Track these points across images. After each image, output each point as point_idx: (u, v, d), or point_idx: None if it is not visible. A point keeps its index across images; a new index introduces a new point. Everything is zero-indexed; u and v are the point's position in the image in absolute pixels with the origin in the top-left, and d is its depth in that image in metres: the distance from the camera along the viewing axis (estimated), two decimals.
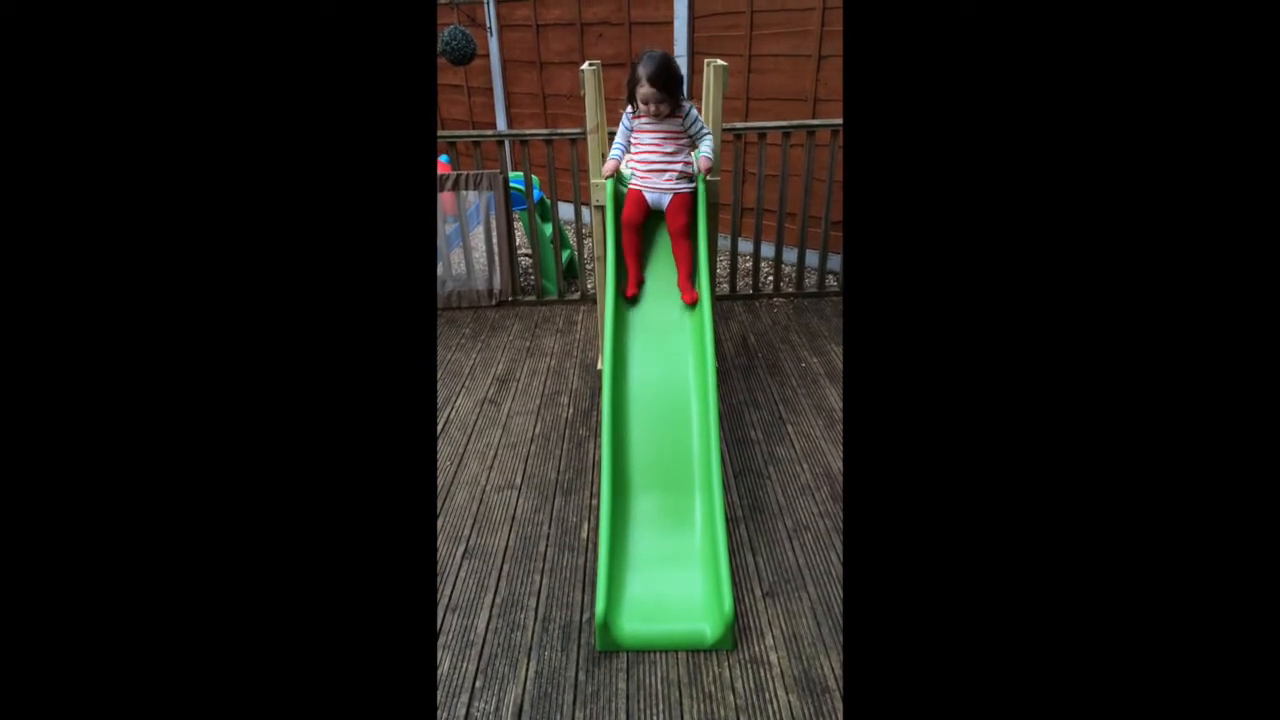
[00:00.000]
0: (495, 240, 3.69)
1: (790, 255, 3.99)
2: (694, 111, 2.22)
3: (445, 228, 3.79)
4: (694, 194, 2.29)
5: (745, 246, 4.54)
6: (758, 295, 3.83)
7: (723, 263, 4.17)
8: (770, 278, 3.99)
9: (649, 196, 2.30)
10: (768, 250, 4.06)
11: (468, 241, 3.74)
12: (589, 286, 3.92)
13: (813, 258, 4.25)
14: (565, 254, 4.14)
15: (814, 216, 3.94)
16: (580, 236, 3.90)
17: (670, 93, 2.18)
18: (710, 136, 2.24)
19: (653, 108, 2.20)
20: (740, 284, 3.91)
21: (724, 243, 4.15)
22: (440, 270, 3.76)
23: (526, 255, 4.42)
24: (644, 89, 2.18)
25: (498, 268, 3.76)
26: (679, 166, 2.26)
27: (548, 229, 3.90)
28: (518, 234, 4.03)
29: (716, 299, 3.62)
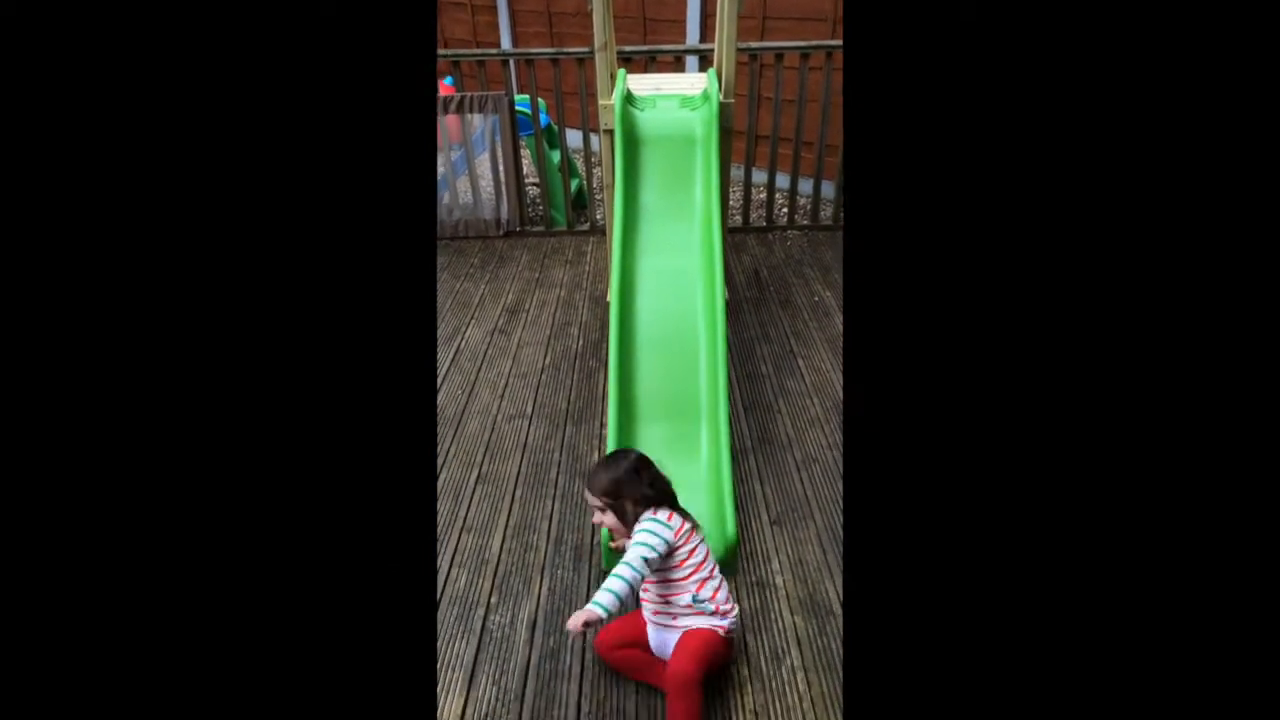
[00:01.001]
0: (502, 168, 3.60)
1: (806, 186, 3.88)
2: (646, 520, 1.39)
3: (450, 154, 3.70)
4: (720, 633, 1.39)
5: (759, 177, 4.41)
6: (771, 227, 3.75)
7: (735, 194, 4.07)
8: (784, 210, 3.90)
9: (651, 639, 1.45)
10: (783, 181, 3.95)
11: (474, 169, 3.65)
12: (598, 217, 3.84)
13: (829, 189, 4.13)
14: (574, 183, 4.05)
15: (831, 145, 3.80)
16: (589, 165, 3.80)
17: (616, 502, 1.42)
18: (639, 546, 1.35)
19: (595, 518, 1.48)
20: (754, 216, 3.82)
21: (737, 173, 4.03)
22: (447, 199, 3.69)
23: (534, 184, 4.33)
24: (586, 491, 1.49)
25: (505, 197, 3.68)
26: (683, 608, 1.40)
27: (555, 156, 3.79)
28: (524, 162, 3.93)
29: (729, 231, 3.55)
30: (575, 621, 1.26)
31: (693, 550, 1.40)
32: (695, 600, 1.39)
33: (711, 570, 1.43)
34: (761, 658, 1.51)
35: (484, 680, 1.48)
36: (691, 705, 1.30)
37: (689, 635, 1.37)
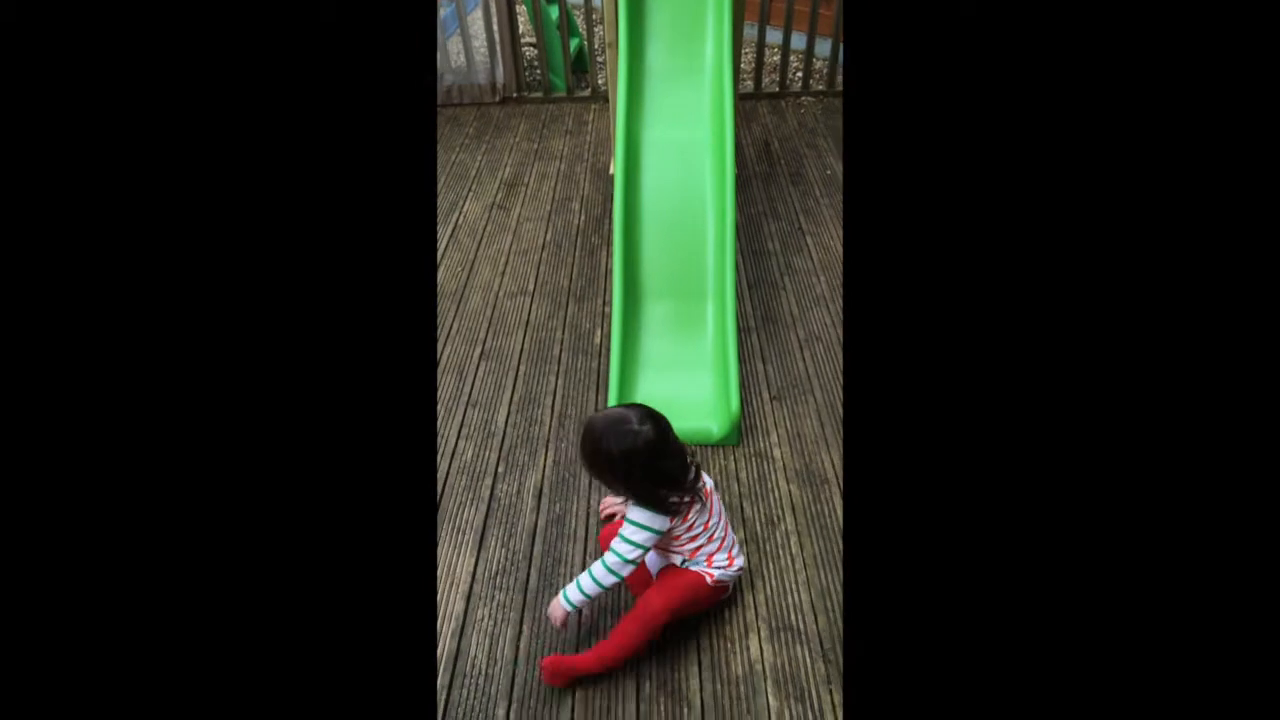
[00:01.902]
0: (496, 26, 3.32)
1: (823, 47, 3.58)
2: (637, 512, 1.26)
3: (440, 11, 3.39)
4: (708, 580, 1.33)
5: (774, 36, 4.07)
6: (784, 93, 3.52)
7: (747, 56, 3.77)
8: (800, 74, 3.62)
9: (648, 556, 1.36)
10: (798, 41, 3.64)
11: (465, 27, 3.37)
12: (600, 83, 3.59)
13: None
14: (574, 43, 3.74)
15: None
16: (590, 23, 3.50)
17: (616, 483, 1.28)
18: (619, 550, 1.26)
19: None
20: (766, 80, 3.56)
21: (749, 32, 3.71)
22: (438, 62, 3.43)
23: (530, 45, 4.01)
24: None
25: (499, 59, 3.43)
26: (676, 560, 1.37)
27: (553, 12, 3.48)
28: (520, 19, 3.61)
29: (740, 98, 3.33)
30: (553, 614, 1.29)
31: (689, 527, 1.30)
32: (685, 562, 1.35)
33: (711, 535, 1.32)
34: (757, 523, 1.58)
35: (493, 543, 1.56)
36: (642, 633, 1.28)
37: (677, 574, 1.34)
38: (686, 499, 1.26)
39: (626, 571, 1.27)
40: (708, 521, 1.32)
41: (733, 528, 1.45)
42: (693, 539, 1.32)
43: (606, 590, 1.29)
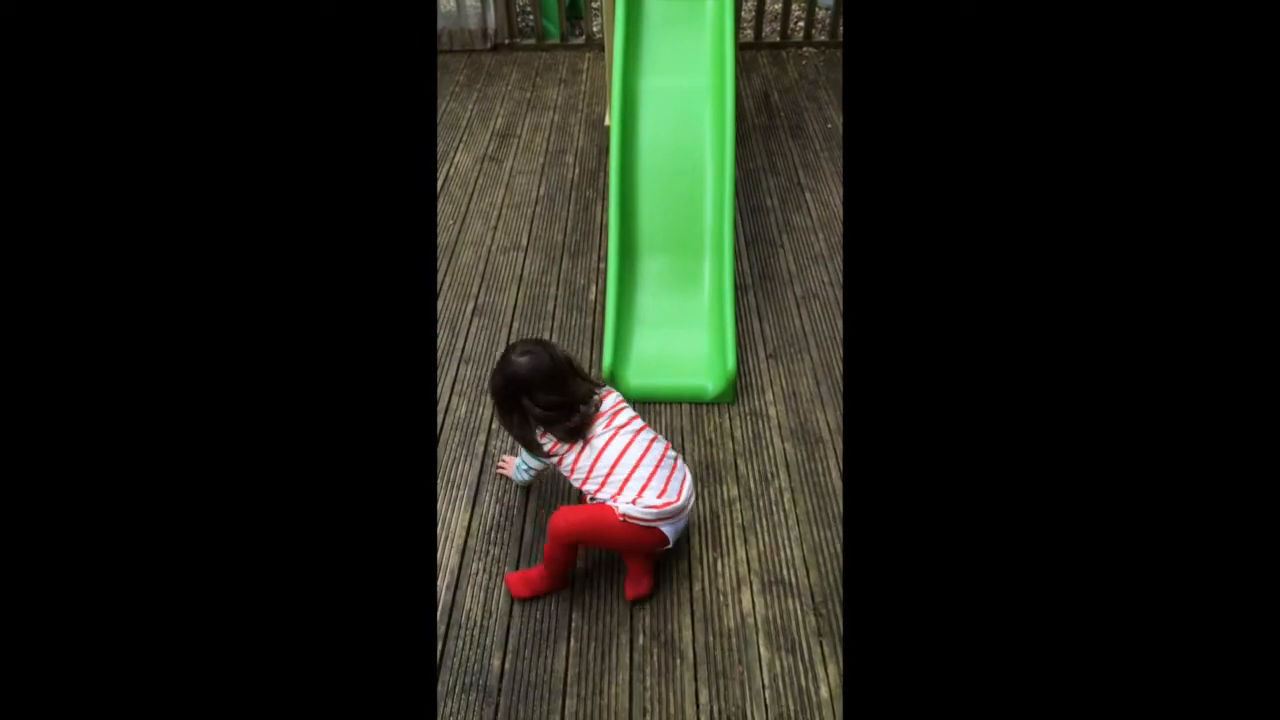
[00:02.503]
0: None
1: None
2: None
3: None
4: (616, 514, 1.28)
5: None
6: (786, 44, 3.41)
7: (748, 4, 3.64)
8: (801, 24, 3.51)
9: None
10: None
11: None
12: (595, 29, 3.47)
13: None
14: None
15: None
16: None
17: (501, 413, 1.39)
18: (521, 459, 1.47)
19: None
20: (767, 30, 3.44)
21: None
22: None
23: None
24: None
25: (491, 3, 3.29)
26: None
27: None
28: None
29: (739, 48, 3.22)
30: (506, 465, 1.58)
31: (569, 468, 1.34)
32: (588, 498, 1.36)
33: (603, 480, 1.30)
34: (751, 480, 1.58)
35: (488, 498, 1.56)
36: (560, 554, 1.31)
37: (593, 505, 1.33)
38: (548, 444, 1.34)
39: (524, 478, 1.49)
40: (593, 466, 1.31)
41: (674, 468, 1.34)
42: (581, 483, 1.34)
43: (521, 484, 1.55)
